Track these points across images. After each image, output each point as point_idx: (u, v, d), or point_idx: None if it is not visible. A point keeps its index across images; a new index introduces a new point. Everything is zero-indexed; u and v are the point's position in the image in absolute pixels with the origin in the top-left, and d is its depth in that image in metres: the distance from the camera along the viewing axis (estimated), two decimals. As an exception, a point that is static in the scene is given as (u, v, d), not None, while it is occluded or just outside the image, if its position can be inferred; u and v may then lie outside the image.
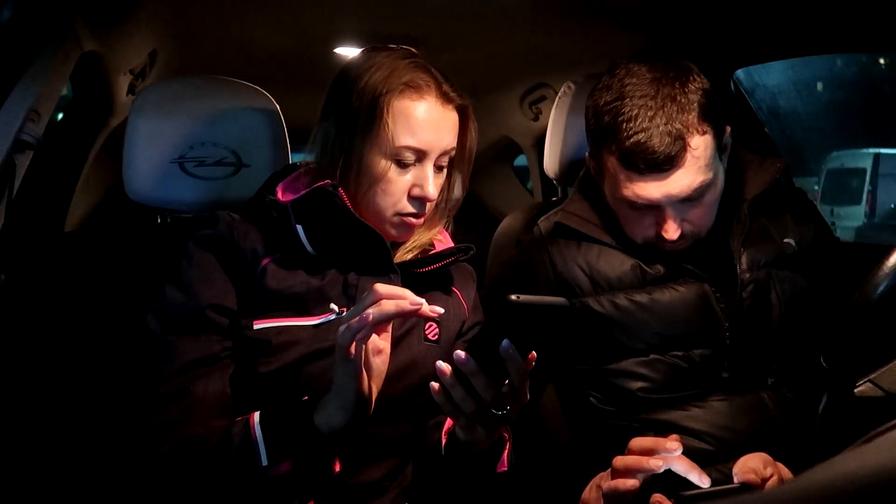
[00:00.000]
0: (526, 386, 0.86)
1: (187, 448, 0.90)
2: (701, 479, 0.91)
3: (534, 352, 0.84)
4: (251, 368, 0.96)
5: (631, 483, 0.92)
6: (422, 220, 1.04)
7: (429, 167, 1.00)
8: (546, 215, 1.26)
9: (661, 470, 0.92)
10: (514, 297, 0.77)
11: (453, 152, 1.04)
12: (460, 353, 0.83)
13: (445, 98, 1.02)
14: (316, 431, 0.87)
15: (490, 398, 0.85)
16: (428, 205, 1.03)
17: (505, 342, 0.81)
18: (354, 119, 1.00)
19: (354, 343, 0.82)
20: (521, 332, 0.81)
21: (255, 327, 0.96)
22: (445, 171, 1.06)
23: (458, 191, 1.15)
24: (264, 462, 0.87)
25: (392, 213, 1.01)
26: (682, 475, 0.93)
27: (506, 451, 1.01)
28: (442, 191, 1.09)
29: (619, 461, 0.95)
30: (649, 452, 0.94)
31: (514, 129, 2.46)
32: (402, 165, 1.00)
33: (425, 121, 0.99)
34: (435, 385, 0.87)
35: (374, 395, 0.88)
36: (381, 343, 0.88)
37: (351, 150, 1.00)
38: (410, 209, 1.01)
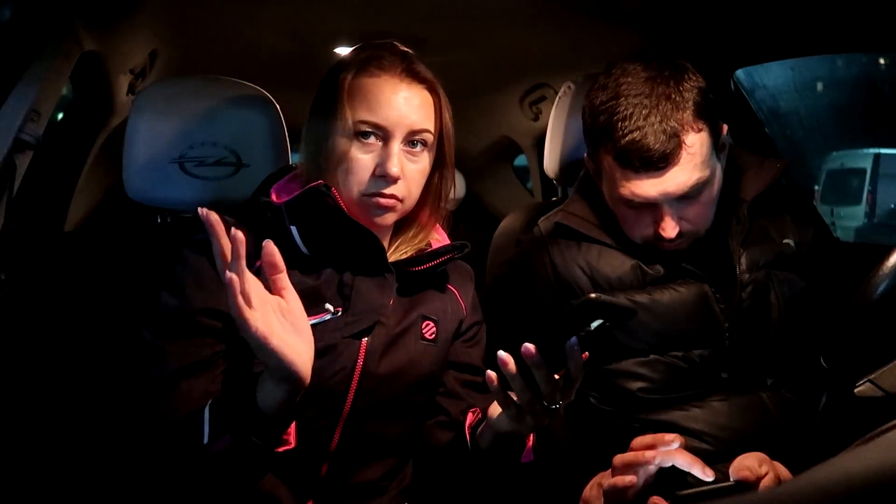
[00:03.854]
0: (578, 383, 0.88)
1: (155, 437, 0.90)
2: (704, 473, 0.92)
3: (587, 352, 0.85)
4: (246, 369, 0.95)
5: (629, 479, 0.92)
6: (393, 202, 0.99)
7: (394, 146, 0.98)
8: (546, 215, 1.26)
9: (657, 463, 0.92)
10: (593, 295, 0.81)
11: (427, 136, 1.01)
12: (529, 346, 0.84)
13: (412, 75, 1.00)
14: (256, 408, 0.84)
15: (549, 391, 0.86)
16: (401, 188, 0.99)
17: (573, 339, 0.83)
18: (321, 105, 1.02)
19: (238, 300, 0.76)
20: (589, 331, 0.83)
21: None
22: (424, 158, 1.02)
23: (456, 190, 1.14)
24: (205, 440, 0.85)
25: (360, 195, 0.99)
26: (685, 469, 0.93)
27: (530, 442, 1.01)
28: (435, 188, 1.07)
29: (619, 459, 0.95)
30: (650, 448, 0.94)
31: (514, 129, 2.46)
32: (365, 144, 0.98)
33: (384, 96, 0.98)
34: (492, 374, 0.88)
35: (308, 360, 0.83)
36: (284, 303, 0.83)
37: (320, 137, 1.00)
38: (374, 189, 0.98)
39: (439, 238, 1.12)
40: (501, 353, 0.86)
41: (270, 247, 0.81)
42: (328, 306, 0.98)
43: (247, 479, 0.90)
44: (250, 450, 0.84)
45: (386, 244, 1.08)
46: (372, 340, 0.99)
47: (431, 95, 1.02)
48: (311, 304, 0.98)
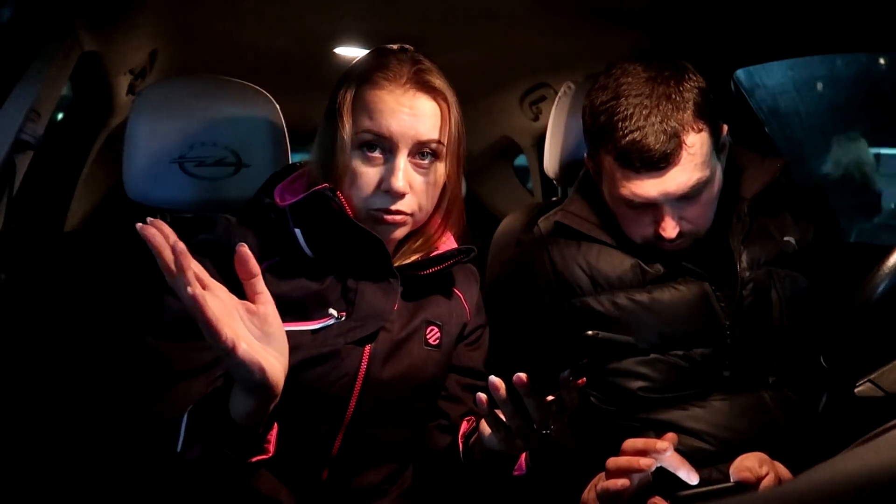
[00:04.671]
0: (572, 409, 0.87)
1: (137, 438, 0.88)
2: (689, 476, 0.91)
3: (584, 378, 0.85)
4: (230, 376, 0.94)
5: (621, 483, 0.92)
6: (401, 218, 0.97)
7: (400, 159, 0.95)
8: (546, 215, 1.26)
9: (653, 469, 0.92)
10: (591, 333, 0.80)
11: (437, 146, 0.98)
12: (521, 376, 0.82)
13: (418, 84, 0.97)
14: (228, 418, 0.78)
15: (540, 419, 0.85)
16: (410, 202, 0.97)
17: (566, 371, 0.82)
18: (329, 113, 1.00)
19: (205, 312, 0.69)
20: (585, 363, 0.83)
21: None
22: (435, 169, 0.99)
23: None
24: (179, 448, 0.80)
25: (365, 209, 0.97)
26: (672, 471, 0.93)
27: (523, 455, 1.00)
28: (446, 198, 1.04)
29: (612, 462, 0.95)
30: (642, 453, 0.94)
31: (514, 129, 2.47)
32: (369, 157, 0.96)
33: (387, 107, 0.95)
34: (482, 396, 0.86)
35: (280, 370, 0.77)
36: (254, 307, 0.77)
37: (328, 146, 0.99)
38: (379, 204, 0.96)
39: (446, 241, 1.10)
40: (493, 378, 0.84)
41: (243, 251, 0.75)
42: (332, 311, 0.96)
43: (224, 487, 0.87)
44: (221, 460, 0.80)
45: (392, 249, 1.06)
46: (375, 346, 0.98)
47: (440, 104, 0.99)
48: (315, 307, 0.97)
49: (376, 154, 0.96)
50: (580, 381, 0.85)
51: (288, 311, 0.95)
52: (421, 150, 0.97)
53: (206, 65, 1.85)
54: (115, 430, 0.95)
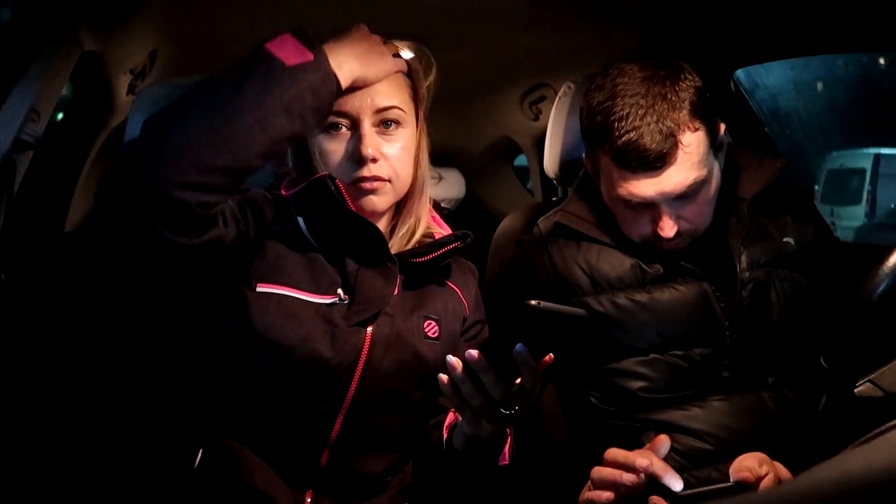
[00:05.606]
0: (536, 388, 0.87)
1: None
2: (673, 482, 0.92)
3: (550, 354, 0.84)
4: (244, 335, 0.96)
5: (607, 495, 0.93)
6: (379, 184, 1.00)
7: (363, 128, 0.99)
8: (546, 215, 1.26)
9: (635, 483, 0.92)
10: (533, 302, 0.78)
11: (398, 112, 1.01)
12: (472, 352, 0.83)
13: None
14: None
15: (499, 396, 0.86)
16: (384, 168, 1.00)
17: (519, 346, 0.82)
18: None
19: None
20: (536, 337, 0.82)
21: (259, 290, 0.96)
22: (401, 135, 1.02)
23: (456, 190, 1.14)
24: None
25: (347, 183, 1.00)
26: (657, 478, 0.92)
27: (507, 445, 1.01)
28: (419, 164, 1.07)
29: (597, 472, 0.95)
30: (623, 467, 0.93)
31: (514, 129, 2.46)
32: (336, 135, 1.00)
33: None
34: (444, 377, 0.88)
35: None
36: None
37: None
38: (354, 174, 0.99)
39: (442, 231, 1.13)
40: (449, 356, 0.86)
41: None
42: (339, 291, 0.99)
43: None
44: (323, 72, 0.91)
45: (386, 235, 1.08)
46: (377, 331, 1.00)
47: (398, 72, 1.03)
48: (323, 283, 1.00)
49: (342, 131, 1.00)
50: (545, 359, 0.84)
51: (295, 276, 0.99)
52: (384, 120, 1.01)
53: (206, 65, 1.84)
54: None
